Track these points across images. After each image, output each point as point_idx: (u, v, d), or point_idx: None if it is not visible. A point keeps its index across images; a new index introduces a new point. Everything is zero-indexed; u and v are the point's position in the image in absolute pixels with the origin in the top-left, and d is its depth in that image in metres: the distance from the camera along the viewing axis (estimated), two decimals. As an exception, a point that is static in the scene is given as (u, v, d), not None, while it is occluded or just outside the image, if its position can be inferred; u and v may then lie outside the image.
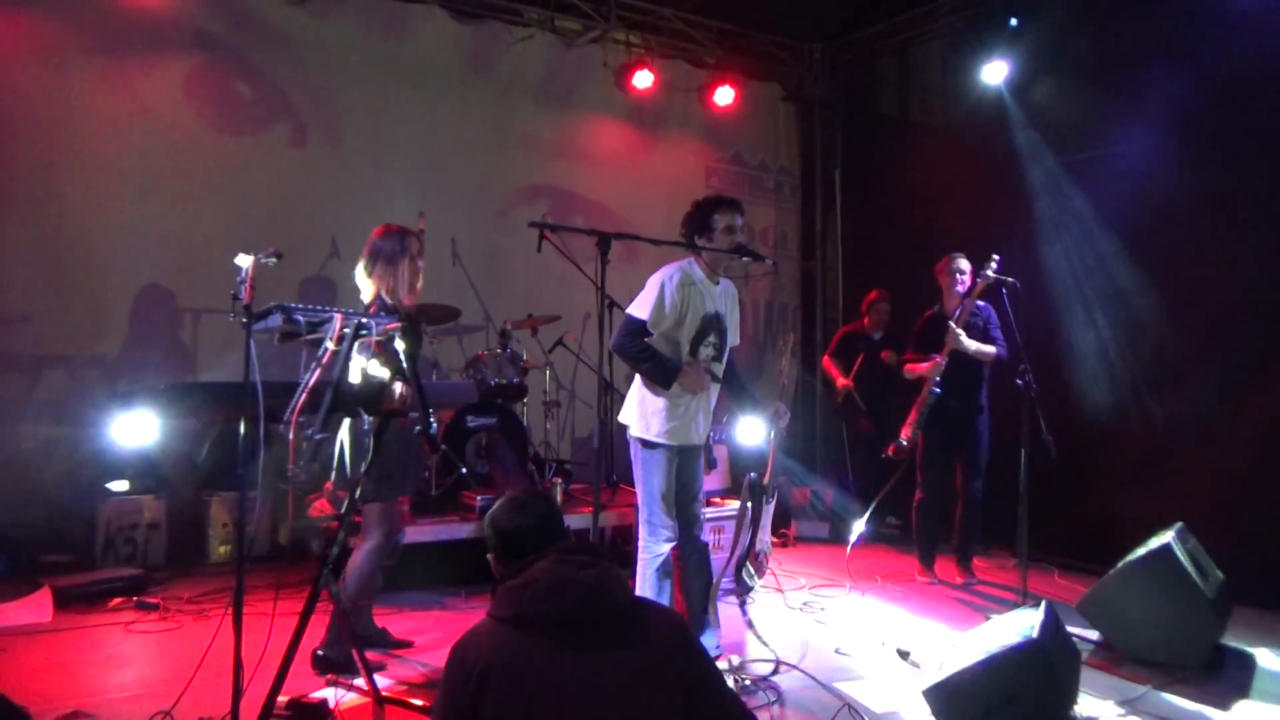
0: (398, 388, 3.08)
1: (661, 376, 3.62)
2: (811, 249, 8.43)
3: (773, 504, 4.03)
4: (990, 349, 5.20)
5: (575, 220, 7.13)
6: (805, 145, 8.48)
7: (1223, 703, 3.52)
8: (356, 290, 3.98)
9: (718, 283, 3.79)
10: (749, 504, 3.93)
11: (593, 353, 5.95)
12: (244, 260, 2.82)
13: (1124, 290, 5.63)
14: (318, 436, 2.71)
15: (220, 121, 6.02)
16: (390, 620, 4.38)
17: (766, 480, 3.99)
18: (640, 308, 3.66)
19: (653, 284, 3.67)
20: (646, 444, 3.72)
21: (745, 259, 3.68)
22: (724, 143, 8.06)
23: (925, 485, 5.40)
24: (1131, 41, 5.70)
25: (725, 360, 3.87)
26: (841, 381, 6.54)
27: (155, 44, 5.82)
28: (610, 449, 6.09)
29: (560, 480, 5.52)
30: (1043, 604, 3.38)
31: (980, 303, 5.23)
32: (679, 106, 7.78)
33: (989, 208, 6.42)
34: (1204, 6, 5.28)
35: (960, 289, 5.30)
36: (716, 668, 2.05)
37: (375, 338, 2.96)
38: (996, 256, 4.93)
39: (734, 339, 3.93)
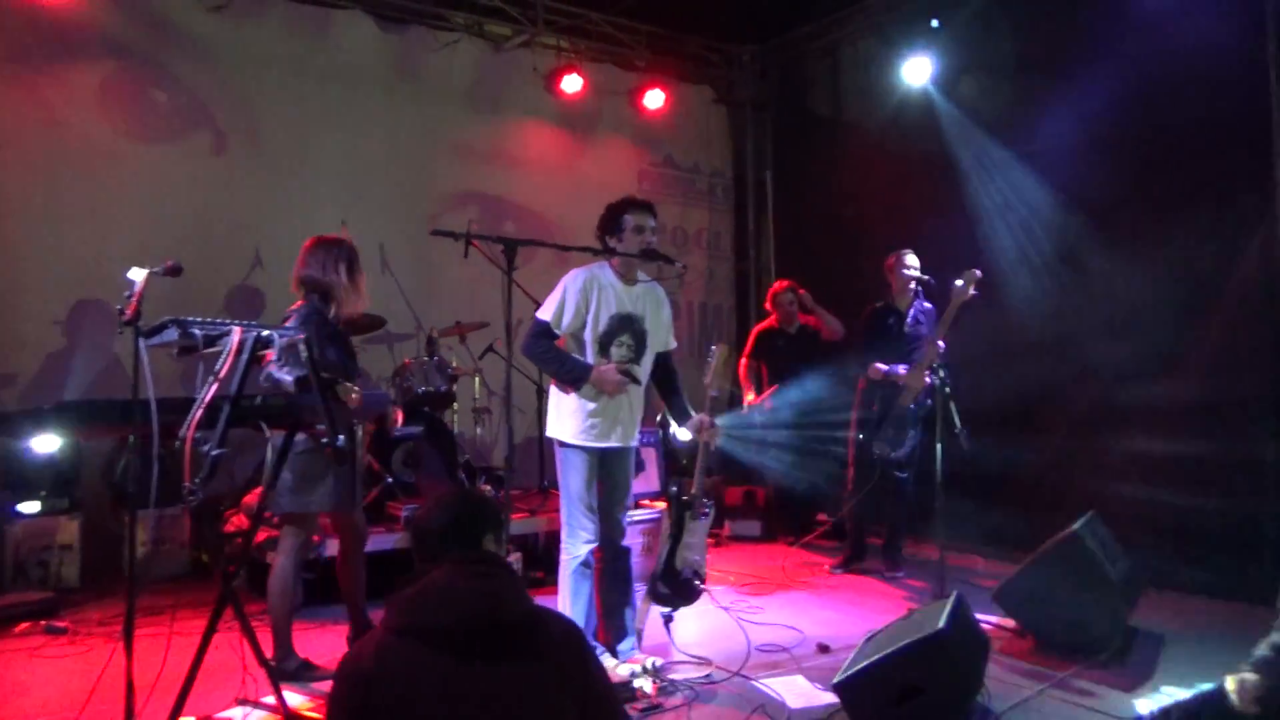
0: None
1: (569, 378, 3.65)
2: (745, 250, 8.50)
3: (706, 521, 4.00)
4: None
5: (506, 226, 7.12)
6: (737, 147, 8.56)
7: (1131, 685, 3.63)
8: (287, 299, 3.95)
9: (634, 284, 3.81)
10: (670, 520, 3.96)
11: (524, 359, 5.97)
12: (137, 274, 2.77)
13: (1044, 284, 5.77)
14: (215, 452, 2.67)
15: (136, 130, 5.92)
16: (313, 635, 4.34)
17: (690, 495, 3.95)
18: (544, 309, 3.71)
19: (558, 286, 3.72)
20: (564, 445, 3.76)
21: (658, 263, 3.71)
22: (656, 146, 8.11)
23: (857, 481, 5.51)
24: (1049, 38, 5.83)
25: (650, 363, 3.89)
26: (747, 402, 6.35)
27: (65, 52, 5.70)
28: (543, 455, 6.11)
29: (490, 487, 5.52)
30: (953, 595, 3.45)
31: (928, 305, 5.38)
32: (610, 110, 7.81)
33: (919, 205, 6.53)
34: (1119, 5, 5.42)
35: (912, 285, 5.36)
36: (612, 686, 2.03)
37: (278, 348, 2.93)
38: (908, 252, 5.15)
39: (664, 342, 3.94)
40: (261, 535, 4.62)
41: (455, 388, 5.94)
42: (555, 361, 3.66)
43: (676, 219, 8.18)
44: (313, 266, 3.84)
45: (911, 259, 5.44)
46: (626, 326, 3.76)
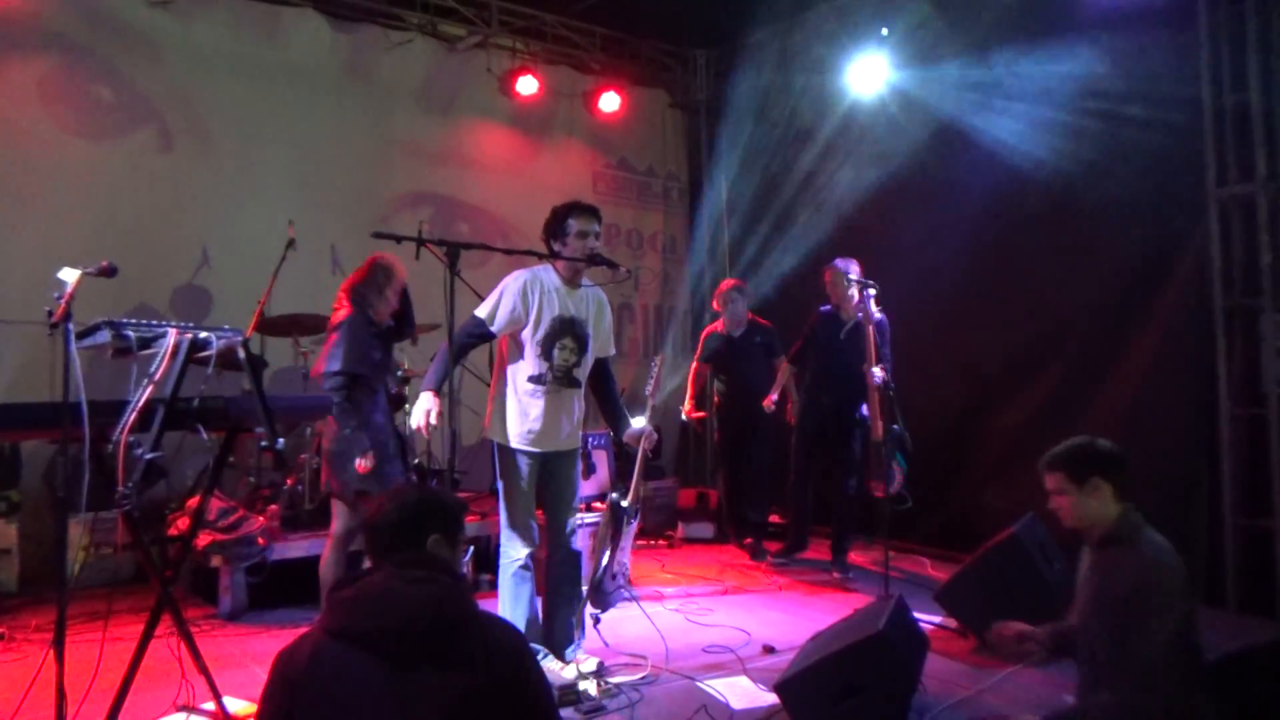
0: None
1: (428, 378, 3.66)
2: (701, 254, 8.52)
3: (634, 526, 4.07)
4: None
5: (460, 227, 7.09)
6: (692, 151, 8.61)
7: (1064, 682, 3.70)
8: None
9: (577, 287, 3.82)
10: (609, 525, 3.99)
11: (479, 360, 5.95)
12: (68, 274, 2.72)
13: (988, 292, 5.87)
14: (148, 456, 2.64)
15: (79, 127, 5.81)
16: (259, 640, 4.29)
17: (628, 503, 3.99)
18: (481, 306, 3.73)
19: (499, 286, 3.75)
20: (502, 449, 3.76)
21: (603, 266, 3.73)
22: (611, 149, 8.12)
23: (797, 482, 5.68)
24: (995, 42, 5.91)
25: (588, 367, 3.90)
26: (686, 412, 6.25)
27: (4, 45, 5.58)
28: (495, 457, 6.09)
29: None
30: (895, 597, 3.51)
31: (878, 315, 5.38)
32: (564, 113, 7.81)
33: (872, 213, 6.61)
34: (1063, 10, 5.51)
35: (852, 292, 5.42)
36: (552, 696, 2.02)
37: (216, 352, 2.90)
38: (849, 262, 5.38)
39: (604, 348, 3.96)
40: (203, 539, 4.56)
41: (406, 390, 5.90)
42: (438, 361, 3.71)
43: (631, 222, 8.21)
44: (368, 282, 4.31)
45: (843, 264, 5.54)
46: (568, 329, 3.77)
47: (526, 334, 3.71)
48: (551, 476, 3.85)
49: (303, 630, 1.96)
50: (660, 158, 8.49)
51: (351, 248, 6.52)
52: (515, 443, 3.73)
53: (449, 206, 7.17)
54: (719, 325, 6.20)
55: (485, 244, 3.54)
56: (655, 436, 4.01)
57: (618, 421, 4.01)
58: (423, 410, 3.56)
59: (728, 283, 6.15)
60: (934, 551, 5.87)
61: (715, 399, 6.33)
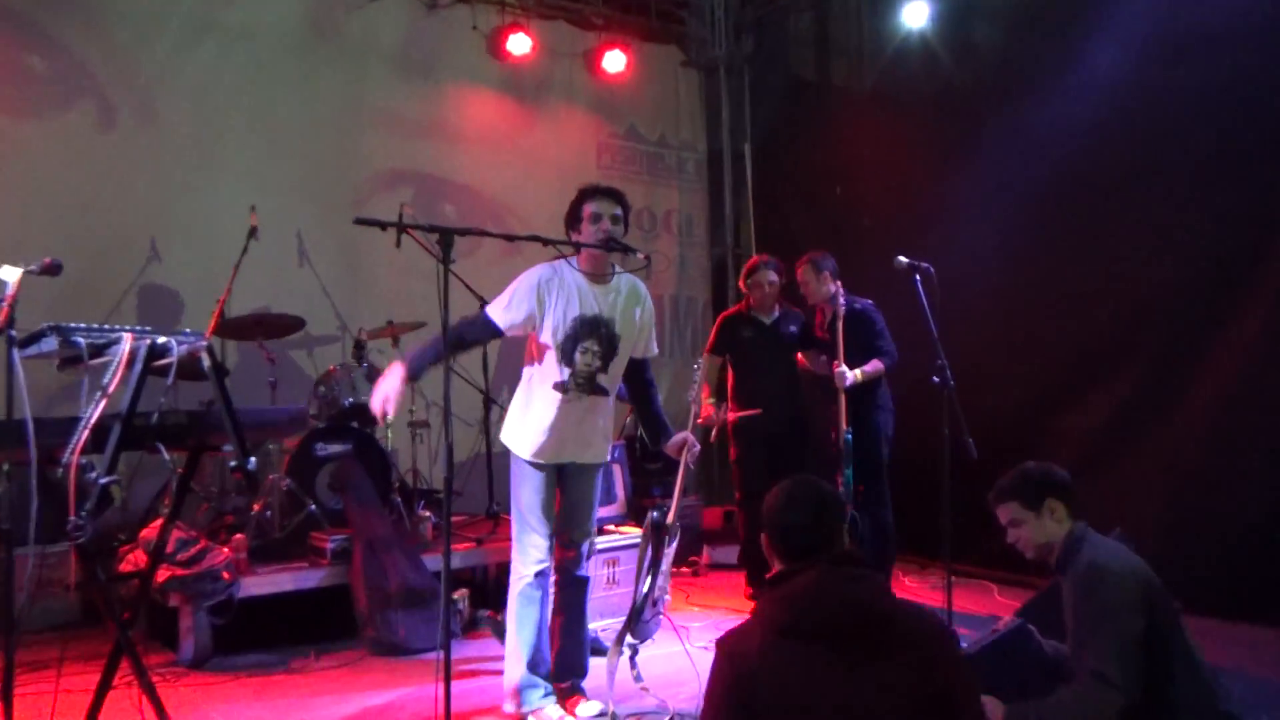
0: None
1: (406, 357, 3.64)
2: (721, 234, 8.57)
3: (674, 545, 4.08)
4: (878, 365, 5.48)
5: (445, 210, 7.12)
6: (710, 117, 8.62)
7: None
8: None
9: (605, 281, 3.84)
10: (648, 547, 4.03)
11: (471, 364, 5.98)
12: (9, 273, 2.76)
13: (1055, 269, 5.87)
14: (103, 480, 2.66)
15: (7, 104, 5.85)
16: (226, 689, 4.32)
17: (670, 519, 4.00)
18: (495, 303, 3.80)
19: (514, 282, 3.80)
20: (516, 456, 3.87)
21: (619, 253, 3.75)
22: (617, 116, 8.15)
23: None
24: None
25: (619, 372, 3.93)
26: (704, 414, 5.61)
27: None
28: (492, 474, 6.12)
29: (431, 514, 5.52)
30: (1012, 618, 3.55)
31: (859, 303, 5.49)
32: (563, 75, 7.83)
33: (914, 180, 6.63)
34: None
35: (830, 288, 5.52)
36: (976, 680, 2.33)
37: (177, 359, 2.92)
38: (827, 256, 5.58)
39: (643, 348, 3.99)
40: (162, 574, 4.59)
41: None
42: (423, 346, 3.68)
43: (642, 199, 8.23)
44: None
45: (770, 274, 5.75)
46: (593, 330, 3.80)
47: (546, 337, 3.76)
48: (566, 491, 3.91)
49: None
50: (673, 125, 8.51)
51: (322, 235, 6.56)
52: (528, 452, 3.81)
53: (432, 186, 7.20)
54: (747, 304, 5.88)
55: (481, 229, 3.56)
56: (698, 447, 4.04)
57: (659, 431, 4.05)
58: (383, 391, 3.46)
59: (756, 259, 5.90)
60: (1001, 575, 5.87)
61: (730, 404, 5.83)
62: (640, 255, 3.73)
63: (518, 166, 7.43)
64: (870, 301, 5.61)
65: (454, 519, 5.87)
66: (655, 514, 4.04)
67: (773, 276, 5.74)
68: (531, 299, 3.72)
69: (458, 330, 3.63)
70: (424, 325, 6.12)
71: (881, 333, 5.57)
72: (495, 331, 3.75)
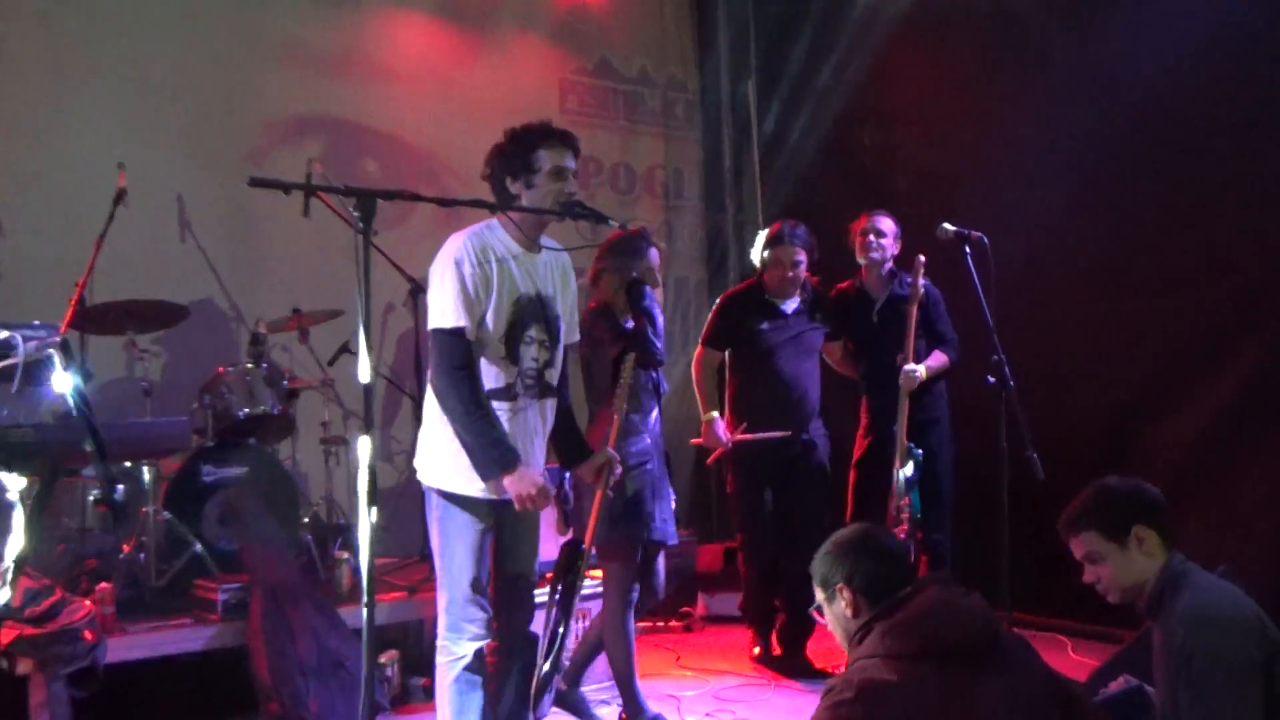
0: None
1: (485, 460, 3.64)
2: (718, 196, 8.60)
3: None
4: (943, 359, 5.55)
5: (366, 166, 7.11)
6: (704, 47, 8.65)
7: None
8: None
9: (538, 251, 3.84)
10: (556, 587, 4.11)
11: (400, 357, 5.99)
12: None
13: (1142, 241, 5.89)
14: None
15: None
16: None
17: (585, 545, 4.10)
18: (441, 312, 3.67)
19: (441, 271, 3.70)
20: (447, 496, 3.76)
21: (582, 220, 3.76)
22: (585, 47, 8.17)
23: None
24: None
25: (561, 365, 3.95)
26: (730, 432, 5.52)
27: None
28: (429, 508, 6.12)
29: (348, 555, 5.51)
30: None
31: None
32: (516, -5, 7.86)
33: (963, 127, 6.66)
34: None
35: (876, 256, 5.60)
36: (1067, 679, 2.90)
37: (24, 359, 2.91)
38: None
39: (570, 333, 4.01)
40: (6, 634, 4.56)
41: (294, 409, 5.91)
42: (479, 431, 3.65)
43: (618, 152, 8.25)
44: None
45: (884, 222, 5.70)
46: (537, 314, 3.80)
47: (486, 330, 3.71)
48: (506, 530, 3.89)
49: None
50: (657, 58, 8.54)
51: (209, 200, 6.54)
52: (465, 487, 3.73)
53: (350, 135, 7.18)
54: (751, 284, 5.81)
55: (411, 191, 3.53)
56: (619, 470, 4.13)
57: (573, 448, 4.11)
58: (534, 495, 3.69)
59: (779, 226, 5.69)
60: (1078, 627, 5.91)
61: (728, 415, 5.68)
62: (615, 224, 3.74)
63: (458, 111, 7.42)
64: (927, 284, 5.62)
65: (379, 562, 5.86)
66: (566, 544, 4.20)
67: (799, 256, 5.55)
68: (471, 282, 3.67)
69: (457, 394, 3.65)
70: (339, 314, 6.12)
71: (948, 318, 5.62)
72: (472, 355, 3.71)
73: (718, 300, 5.96)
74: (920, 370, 5.34)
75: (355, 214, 3.14)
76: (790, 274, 5.55)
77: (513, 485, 3.63)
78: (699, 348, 5.79)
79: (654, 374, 4.70)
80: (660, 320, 4.55)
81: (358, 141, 7.23)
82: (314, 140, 7.01)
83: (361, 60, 7.27)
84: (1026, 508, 4.55)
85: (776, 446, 5.48)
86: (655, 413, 4.72)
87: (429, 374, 3.85)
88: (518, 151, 3.78)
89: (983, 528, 4.73)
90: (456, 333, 3.66)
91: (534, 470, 3.72)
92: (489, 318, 3.70)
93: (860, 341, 5.79)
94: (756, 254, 5.72)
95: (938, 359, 5.51)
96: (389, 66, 7.37)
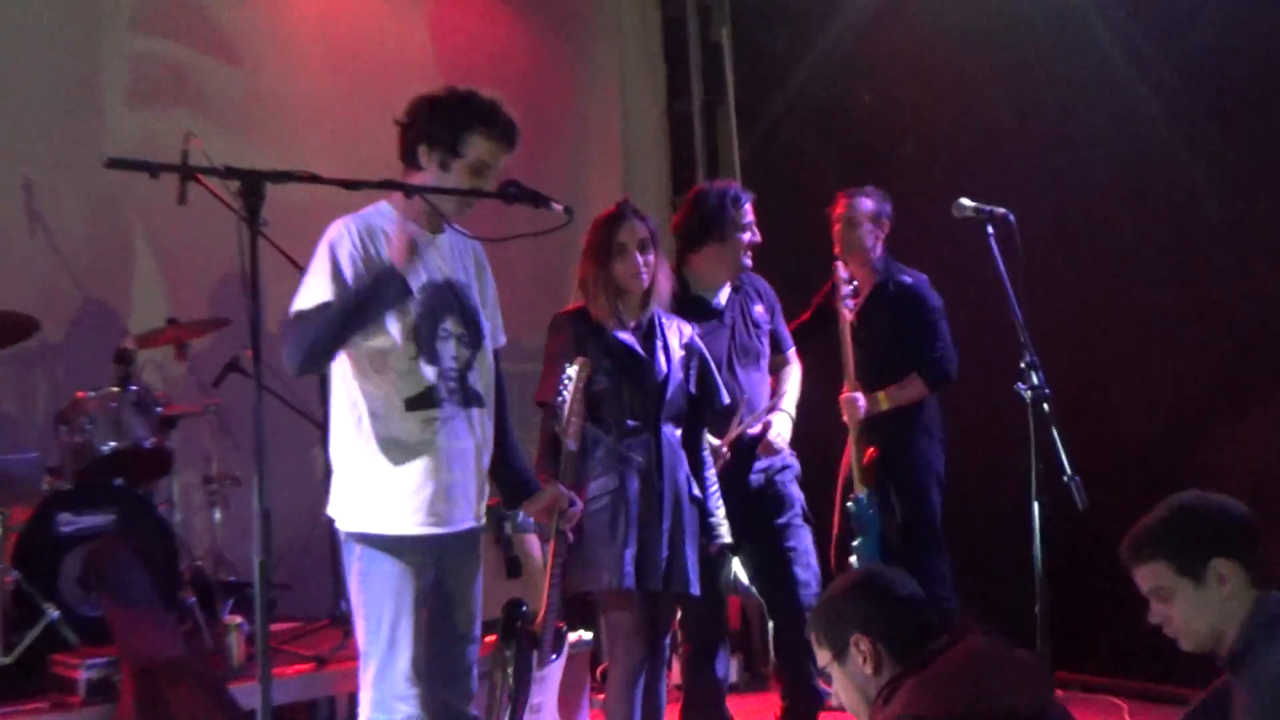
0: None
1: (361, 311, 3.64)
2: (686, 166, 8.61)
3: (559, 660, 4.19)
4: (916, 388, 5.61)
5: (254, 142, 7.07)
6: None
7: None
8: None
9: (440, 230, 3.90)
10: (507, 661, 4.09)
11: (305, 392, 5.95)
12: None
13: (1204, 219, 5.95)
14: None
15: None
16: None
17: (539, 623, 4.11)
18: (306, 293, 3.71)
19: (319, 255, 3.76)
20: (371, 541, 3.78)
21: (522, 204, 3.76)
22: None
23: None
24: None
25: (490, 367, 3.98)
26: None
27: None
28: (337, 555, 6.08)
29: (242, 620, 5.48)
30: None
31: (907, 277, 5.58)
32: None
33: (984, 82, 6.71)
34: None
35: (869, 242, 5.65)
36: None
37: None
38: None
39: (496, 336, 4.08)
40: None
41: (172, 441, 5.88)
42: (331, 318, 3.64)
43: (555, 112, 8.28)
44: None
45: (866, 202, 5.77)
46: (451, 303, 3.84)
47: (381, 333, 3.72)
48: (446, 581, 3.90)
49: None
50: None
51: (63, 186, 6.51)
52: (395, 524, 3.75)
53: (232, 103, 7.14)
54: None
55: (308, 172, 3.52)
56: (578, 507, 4.15)
57: (512, 481, 4.15)
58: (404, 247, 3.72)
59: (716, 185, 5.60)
60: (1135, 686, 5.95)
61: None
62: (558, 206, 3.74)
63: (369, 73, 7.44)
64: (924, 276, 5.66)
65: (279, 627, 5.85)
66: (515, 608, 4.15)
67: (748, 215, 5.37)
68: (359, 263, 3.71)
69: (303, 336, 3.64)
70: (226, 324, 6.10)
71: (935, 328, 5.66)
72: None
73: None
74: (861, 400, 5.40)
75: (241, 200, 3.15)
76: (752, 243, 5.40)
77: (393, 254, 3.68)
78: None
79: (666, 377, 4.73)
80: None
81: (242, 110, 7.19)
82: (187, 109, 6.95)
83: (247, 5, 7.27)
84: (1065, 542, 4.60)
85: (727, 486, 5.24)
86: (672, 431, 4.74)
87: (331, 394, 3.88)
88: (447, 124, 3.81)
89: (1011, 567, 4.76)
90: (309, 311, 3.70)
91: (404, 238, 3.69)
92: (388, 314, 3.72)
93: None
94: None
95: (908, 388, 5.57)
96: (283, 10, 7.38)
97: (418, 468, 3.78)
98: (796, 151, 7.85)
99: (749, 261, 5.39)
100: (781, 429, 5.27)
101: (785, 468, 5.34)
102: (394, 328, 3.74)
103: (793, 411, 5.40)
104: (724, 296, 5.44)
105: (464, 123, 3.80)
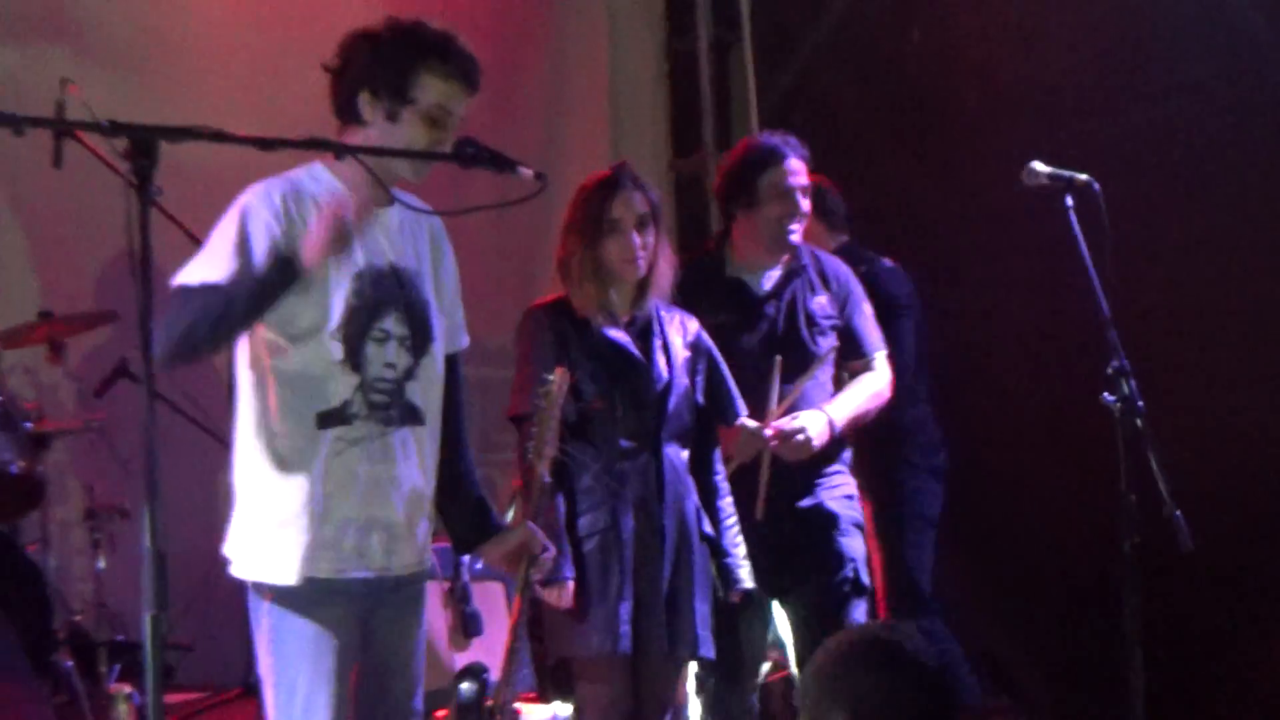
0: None
1: (243, 306, 3.56)
2: (692, 138, 8.72)
3: None
4: (868, 392, 5.40)
5: (146, 88, 7.10)
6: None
7: None
8: None
9: (389, 203, 3.83)
10: None
11: (208, 395, 5.98)
12: None
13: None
14: None
15: None
16: None
17: (497, 700, 4.12)
18: (197, 265, 3.64)
19: (226, 220, 3.69)
20: (275, 593, 3.76)
21: (484, 167, 3.77)
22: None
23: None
24: None
25: (437, 375, 3.95)
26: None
27: None
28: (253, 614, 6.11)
29: (131, 689, 5.50)
30: None
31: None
32: None
33: (1056, 19, 6.75)
34: None
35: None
36: None
37: None
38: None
39: (451, 334, 4.04)
40: None
41: (44, 465, 5.89)
42: (216, 302, 3.54)
43: (527, 53, 8.32)
44: None
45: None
46: (395, 295, 3.79)
47: (297, 321, 3.70)
48: (377, 641, 3.89)
49: None
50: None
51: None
52: (298, 574, 3.73)
53: (118, 43, 7.17)
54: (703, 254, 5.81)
55: (212, 129, 3.53)
56: (551, 553, 4.12)
57: (468, 519, 4.10)
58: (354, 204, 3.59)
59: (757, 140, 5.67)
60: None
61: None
62: (527, 172, 3.74)
63: (294, 10, 7.47)
64: (891, 263, 5.71)
65: (178, 698, 5.86)
66: (465, 687, 4.17)
67: (797, 168, 5.33)
68: (277, 237, 3.63)
69: (178, 323, 3.53)
70: (113, 318, 6.11)
71: (911, 329, 5.72)
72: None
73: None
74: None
75: (129, 164, 3.15)
76: (787, 213, 5.31)
77: (333, 220, 3.54)
78: None
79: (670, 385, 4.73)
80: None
81: (131, 50, 7.24)
82: (63, 49, 7.00)
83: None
84: (1164, 592, 4.62)
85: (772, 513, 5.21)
86: (676, 452, 4.74)
87: (236, 405, 3.84)
88: (393, 63, 3.78)
89: (1096, 623, 4.78)
90: (193, 289, 3.61)
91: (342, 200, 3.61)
92: (314, 300, 3.69)
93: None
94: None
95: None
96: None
97: (334, 499, 3.73)
98: (830, 102, 7.88)
99: (795, 237, 5.32)
100: (810, 426, 5.03)
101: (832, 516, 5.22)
102: (311, 327, 3.72)
103: (840, 417, 5.16)
104: (770, 281, 5.41)
105: (413, 60, 3.74)
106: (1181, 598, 4.91)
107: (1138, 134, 6.07)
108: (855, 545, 5.21)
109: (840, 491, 5.31)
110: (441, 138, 3.72)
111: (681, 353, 4.74)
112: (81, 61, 6.93)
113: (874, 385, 5.42)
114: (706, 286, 5.32)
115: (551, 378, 4.22)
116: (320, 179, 3.80)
